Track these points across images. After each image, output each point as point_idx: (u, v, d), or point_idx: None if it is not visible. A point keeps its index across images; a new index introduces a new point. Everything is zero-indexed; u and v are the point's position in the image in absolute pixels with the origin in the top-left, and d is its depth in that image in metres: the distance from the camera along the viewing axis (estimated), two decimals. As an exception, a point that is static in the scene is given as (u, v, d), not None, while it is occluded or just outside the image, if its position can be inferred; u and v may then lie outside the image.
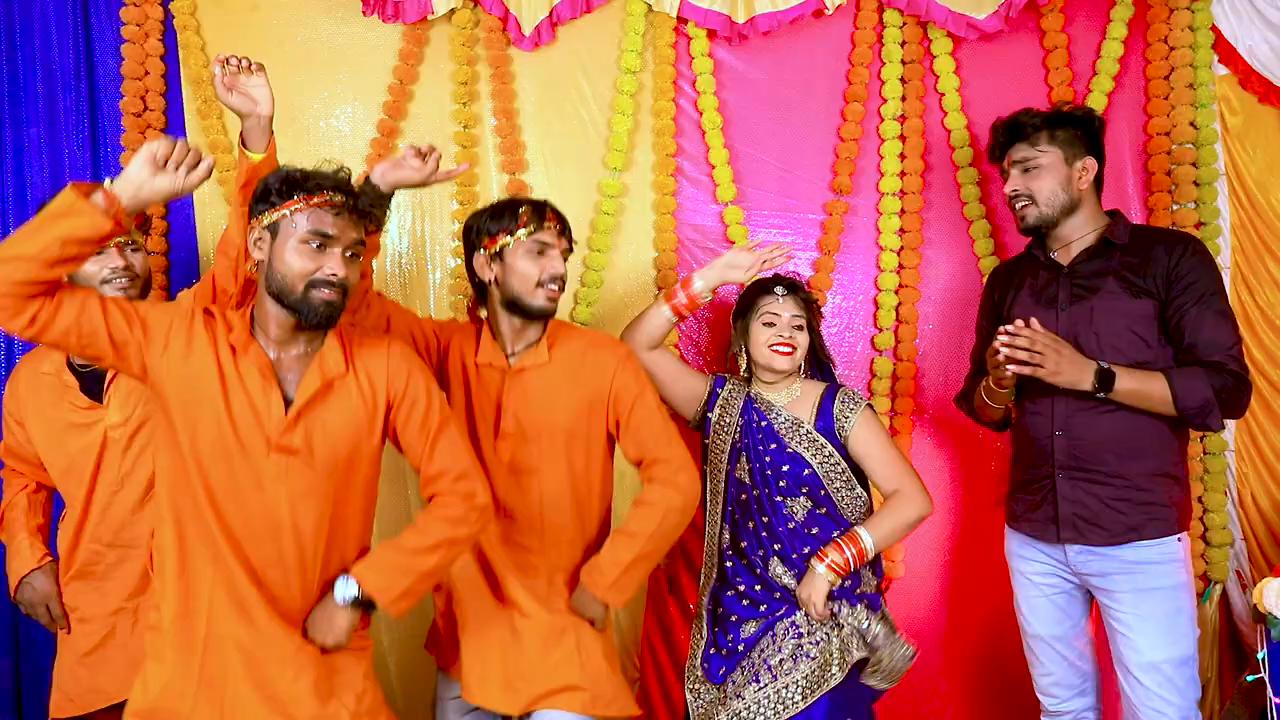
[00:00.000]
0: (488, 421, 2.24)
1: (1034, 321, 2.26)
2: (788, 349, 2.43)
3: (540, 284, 2.20)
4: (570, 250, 2.29)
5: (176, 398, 1.80)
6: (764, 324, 2.45)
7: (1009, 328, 2.25)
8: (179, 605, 1.81)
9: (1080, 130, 2.43)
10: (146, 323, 1.80)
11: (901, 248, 3.05)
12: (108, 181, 1.71)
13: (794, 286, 2.49)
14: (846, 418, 2.42)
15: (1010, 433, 2.59)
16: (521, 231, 2.21)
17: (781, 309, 2.45)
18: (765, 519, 2.41)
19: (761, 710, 2.31)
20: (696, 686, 2.45)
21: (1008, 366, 2.27)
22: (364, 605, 1.88)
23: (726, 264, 2.53)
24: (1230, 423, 3.01)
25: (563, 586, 2.25)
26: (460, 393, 2.27)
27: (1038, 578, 2.49)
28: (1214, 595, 3.00)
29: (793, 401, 2.47)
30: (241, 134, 2.09)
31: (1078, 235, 2.44)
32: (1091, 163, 2.42)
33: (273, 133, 2.11)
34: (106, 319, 1.76)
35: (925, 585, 3.06)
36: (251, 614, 1.80)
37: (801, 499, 2.41)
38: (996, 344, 2.26)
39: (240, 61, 2.06)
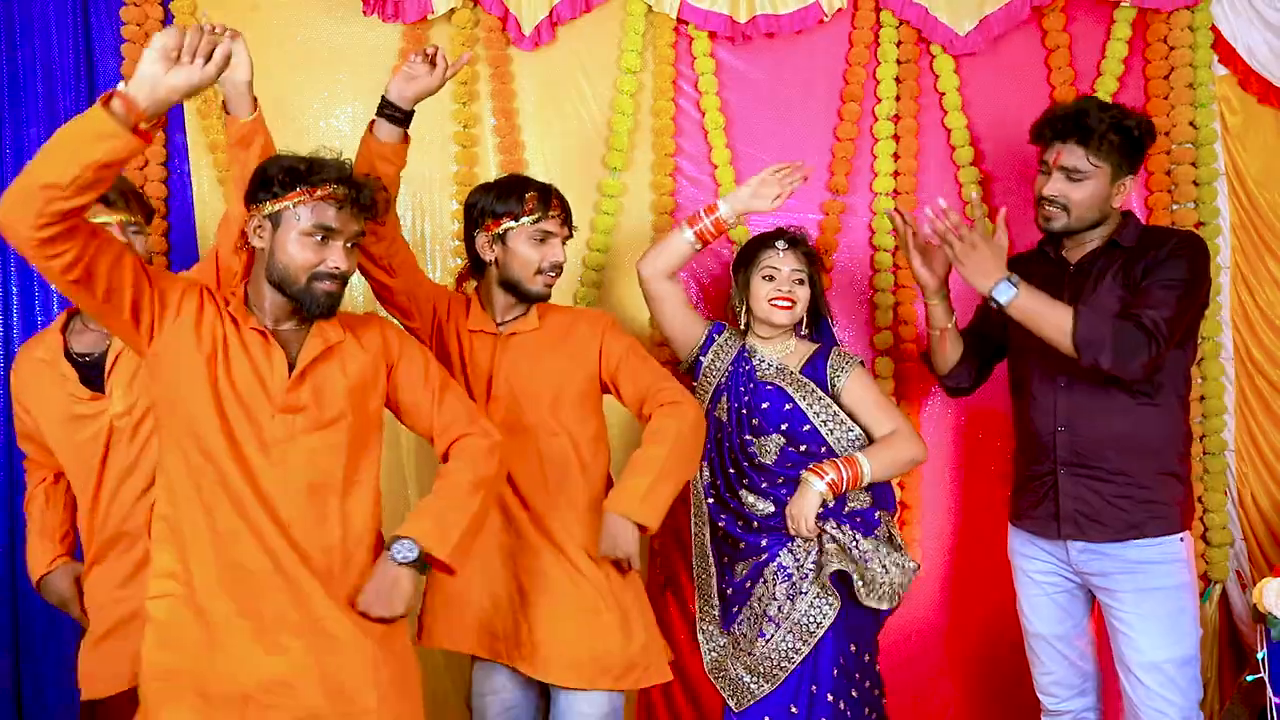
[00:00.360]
0: (480, 386, 2.28)
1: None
2: (787, 303, 2.44)
3: (540, 271, 2.26)
4: (570, 235, 2.33)
5: (184, 367, 1.79)
6: (764, 278, 2.46)
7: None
8: (212, 569, 1.77)
9: (1132, 143, 2.36)
10: (162, 288, 1.80)
11: (895, 248, 3.04)
12: (121, 85, 1.58)
13: (795, 241, 2.49)
14: (841, 370, 2.46)
15: (1013, 429, 2.59)
16: (526, 219, 2.24)
17: (782, 263, 2.45)
18: (733, 456, 2.45)
19: (779, 663, 2.33)
20: (709, 628, 2.48)
21: (922, 227, 2.33)
22: (419, 565, 1.85)
23: (752, 193, 2.47)
24: (1230, 422, 3.02)
25: (578, 550, 2.23)
26: (456, 359, 2.31)
27: (1040, 576, 2.49)
28: (1214, 595, 2.99)
29: (784, 356, 2.50)
30: (224, 101, 2.07)
31: (1092, 239, 2.43)
32: (1131, 183, 2.39)
33: (256, 98, 2.06)
34: (134, 274, 1.73)
35: (925, 585, 3.05)
36: (285, 565, 1.78)
37: (775, 437, 2.42)
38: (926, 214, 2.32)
39: (216, 28, 2.04)
